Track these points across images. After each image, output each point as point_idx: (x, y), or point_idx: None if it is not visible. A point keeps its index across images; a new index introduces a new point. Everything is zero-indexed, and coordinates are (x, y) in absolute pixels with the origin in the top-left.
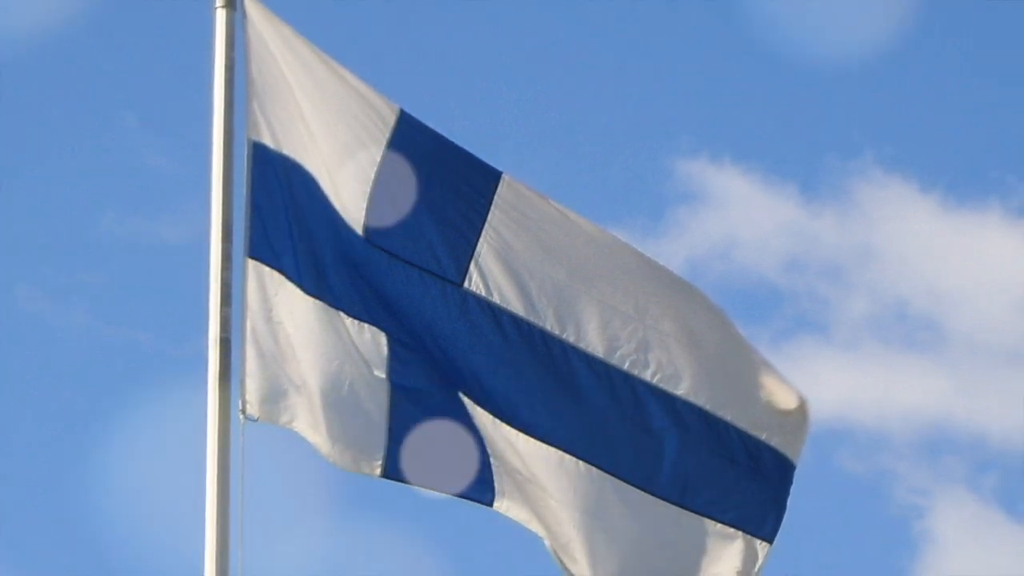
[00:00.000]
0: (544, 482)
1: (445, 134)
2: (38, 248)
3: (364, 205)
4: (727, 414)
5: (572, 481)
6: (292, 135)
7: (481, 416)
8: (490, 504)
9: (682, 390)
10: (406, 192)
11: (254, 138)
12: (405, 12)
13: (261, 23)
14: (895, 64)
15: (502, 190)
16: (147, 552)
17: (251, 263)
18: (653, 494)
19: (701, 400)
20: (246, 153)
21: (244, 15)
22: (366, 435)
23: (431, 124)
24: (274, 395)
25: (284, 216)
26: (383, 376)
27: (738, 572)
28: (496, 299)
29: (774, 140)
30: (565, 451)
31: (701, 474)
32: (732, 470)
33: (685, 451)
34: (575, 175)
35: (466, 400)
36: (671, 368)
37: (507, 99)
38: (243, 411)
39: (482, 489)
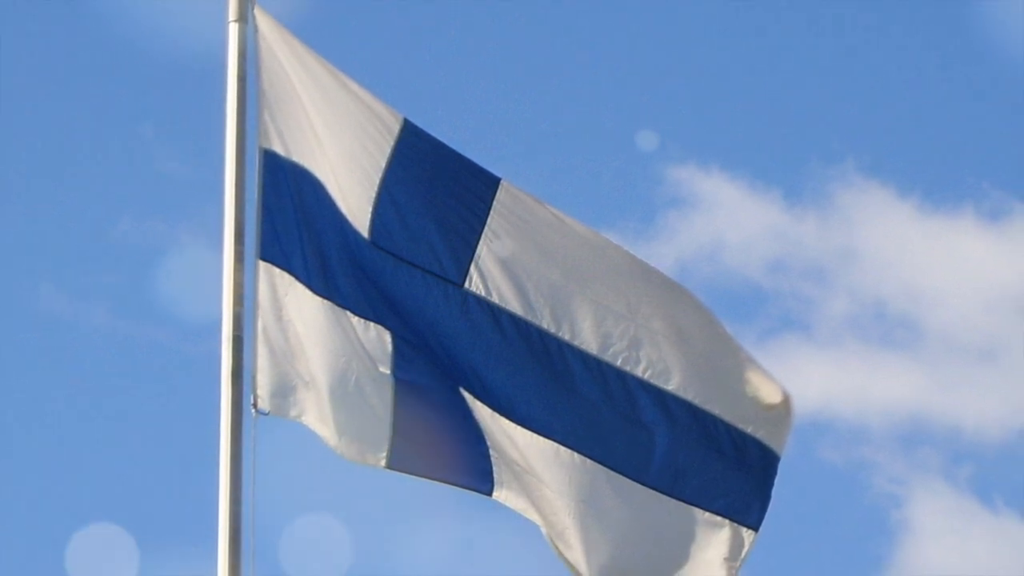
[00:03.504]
0: (541, 473)
1: (447, 142)
2: (59, 250)
3: (370, 209)
4: (715, 408)
5: (567, 472)
6: (301, 143)
7: (481, 410)
8: (489, 494)
9: (672, 385)
10: (409, 197)
11: (265, 146)
12: (408, 25)
13: (272, 36)
14: (876, 74)
15: (501, 195)
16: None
17: (262, 264)
18: (644, 484)
19: (690, 395)
20: (257, 160)
21: (255, 29)
22: (371, 428)
23: (433, 132)
24: (284, 390)
25: (294, 220)
26: (387, 372)
27: (725, 559)
28: (495, 299)
29: (759, 148)
30: (561, 443)
31: (690, 465)
32: (719, 461)
33: (675, 443)
34: (571, 181)
35: (466, 395)
36: (661, 364)
37: (506, 108)
38: (254, 405)
39: (482, 479)
